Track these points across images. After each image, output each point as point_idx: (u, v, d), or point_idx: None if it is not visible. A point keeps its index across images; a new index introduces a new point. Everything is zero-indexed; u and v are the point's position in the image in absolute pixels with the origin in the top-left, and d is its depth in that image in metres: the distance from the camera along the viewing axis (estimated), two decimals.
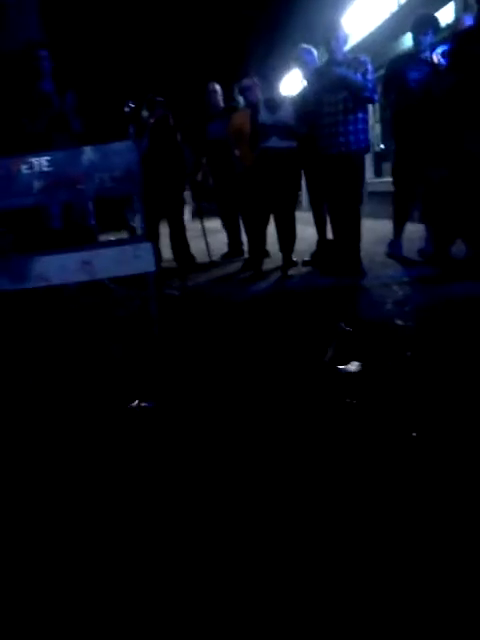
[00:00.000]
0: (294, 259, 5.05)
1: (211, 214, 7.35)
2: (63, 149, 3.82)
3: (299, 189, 5.26)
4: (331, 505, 1.40)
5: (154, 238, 4.99)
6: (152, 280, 3.30)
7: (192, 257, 5.82)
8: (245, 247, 5.80)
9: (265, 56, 10.44)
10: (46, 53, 4.75)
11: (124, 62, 12.00)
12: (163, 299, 4.02)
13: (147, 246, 3.24)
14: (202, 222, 6.00)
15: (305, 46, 5.02)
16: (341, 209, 4.51)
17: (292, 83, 9.35)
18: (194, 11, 11.91)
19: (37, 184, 3.39)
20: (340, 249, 4.60)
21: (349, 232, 4.49)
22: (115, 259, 3.24)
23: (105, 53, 11.59)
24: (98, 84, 10.35)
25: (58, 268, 3.13)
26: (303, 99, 4.67)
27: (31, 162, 3.36)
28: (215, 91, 5.93)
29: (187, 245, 5.78)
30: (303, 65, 4.99)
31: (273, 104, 4.64)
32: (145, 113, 5.43)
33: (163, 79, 10.43)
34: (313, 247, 5.27)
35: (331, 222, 4.74)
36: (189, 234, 5.88)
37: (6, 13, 5.15)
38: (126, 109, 5.38)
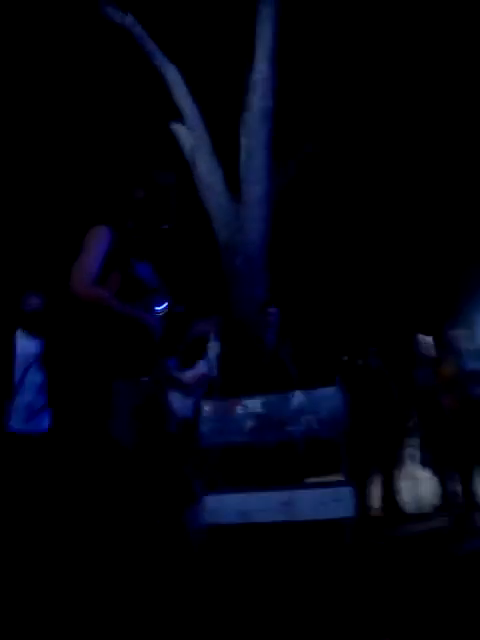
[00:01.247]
0: None
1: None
2: (275, 392, 4.18)
3: None
4: None
5: (361, 484, 4.92)
6: (349, 526, 3.22)
7: (400, 507, 5.53)
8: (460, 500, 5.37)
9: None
10: (275, 310, 5.47)
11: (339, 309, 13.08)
12: (365, 547, 3.81)
13: (347, 491, 3.24)
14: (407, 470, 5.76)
15: None
16: None
17: None
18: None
19: (250, 424, 3.71)
20: None
21: None
22: (315, 501, 3.26)
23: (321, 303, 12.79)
24: (312, 332, 11.32)
25: (259, 506, 3.23)
26: None
27: (245, 404, 3.74)
28: (425, 341, 6.14)
29: (394, 493, 5.54)
30: None
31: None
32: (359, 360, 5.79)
33: (376, 325, 11.05)
34: None
35: None
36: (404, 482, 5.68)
37: (240, 280, 6.19)
38: (343, 358, 5.81)
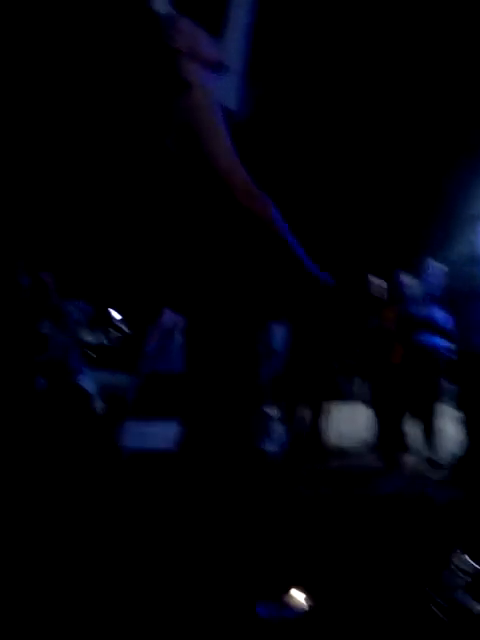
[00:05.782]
0: (436, 460, 4.77)
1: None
2: None
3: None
4: None
5: (290, 419, 5.01)
6: (278, 457, 3.35)
7: (329, 442, 5.70)
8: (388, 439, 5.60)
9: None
10: None
11: None
12: (290, 477, 3.98)
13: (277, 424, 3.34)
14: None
15: None
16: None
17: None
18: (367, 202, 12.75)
19: None
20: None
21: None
22: None
23: None
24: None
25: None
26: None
27: None
28: (373, 283, 6.17)
29: (322, 429, 5.61)
30: None
31: (425, 300, 4.73)
32: None
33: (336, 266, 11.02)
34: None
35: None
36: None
37: None
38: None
